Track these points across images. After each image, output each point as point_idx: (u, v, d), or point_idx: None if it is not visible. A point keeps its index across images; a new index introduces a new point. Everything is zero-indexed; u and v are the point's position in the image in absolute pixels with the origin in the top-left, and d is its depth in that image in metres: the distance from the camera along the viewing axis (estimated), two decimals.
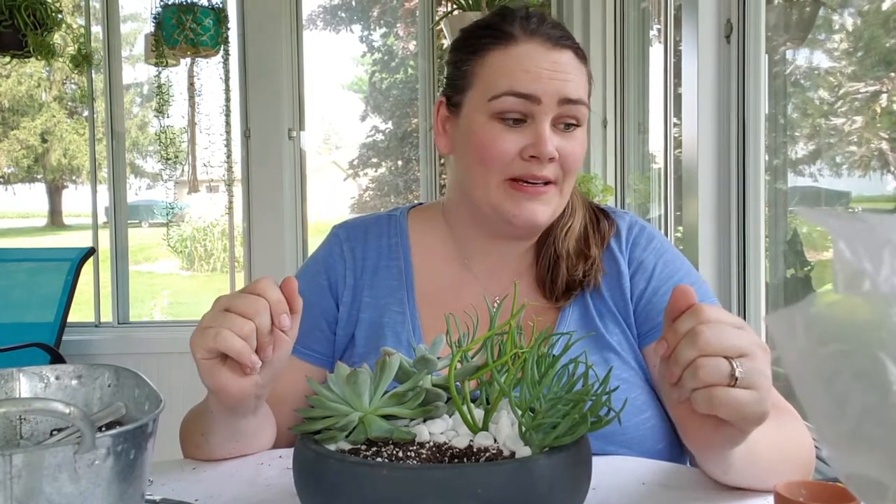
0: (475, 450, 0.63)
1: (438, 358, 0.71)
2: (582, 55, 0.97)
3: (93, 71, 3.44)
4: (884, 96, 1.51)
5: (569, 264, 0.99)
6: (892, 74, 1.52)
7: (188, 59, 3.29)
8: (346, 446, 0.63)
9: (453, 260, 1.05)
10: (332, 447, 0.63)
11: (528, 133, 0.93)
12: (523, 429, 0.62)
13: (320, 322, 1.03)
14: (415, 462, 0.61)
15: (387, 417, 0.66)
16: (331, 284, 1.04)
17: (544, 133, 0.92)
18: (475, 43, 0.98)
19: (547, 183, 0.95)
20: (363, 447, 0.64)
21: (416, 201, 1.21)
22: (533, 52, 0.93)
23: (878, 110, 1.51)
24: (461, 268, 1.05)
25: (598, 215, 1.05)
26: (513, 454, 0.62)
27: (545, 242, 1.03)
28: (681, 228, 2.11)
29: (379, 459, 0.60)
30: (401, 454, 0.61)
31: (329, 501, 0.60)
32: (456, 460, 0.61)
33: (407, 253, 1.05)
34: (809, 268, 1.72)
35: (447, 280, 1.04)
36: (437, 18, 3.30)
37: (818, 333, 0.37)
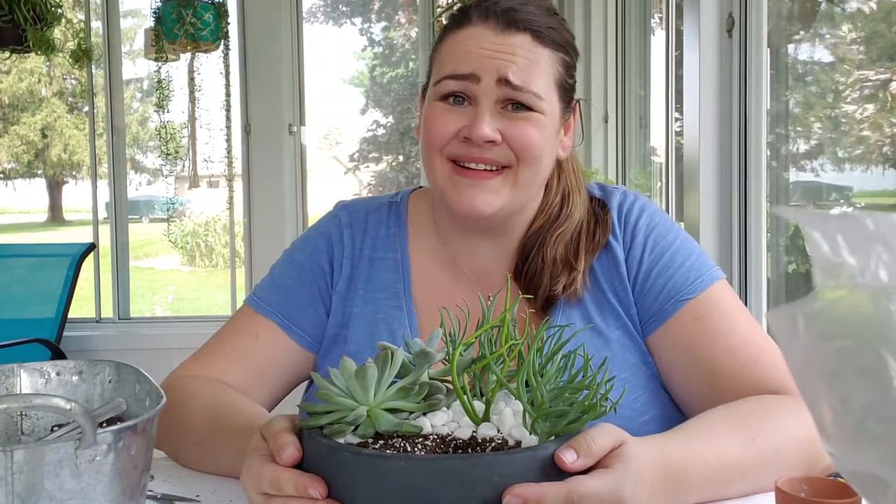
0: (479, 440, 0.63)
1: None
2: (548, 39, 0.92)
3: (93, 66, 3.44)
4: (893, 84, 1.51)
5: (552, 273, 0.95)
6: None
7: (188, 54, 3.29)
8: (355, 440, 0.64)
9: (443, 253, 1.02)
10: (340, 441, 0.64)
11: (468, 114, 0.91)
12: (529, 418, 0.63)
13: (317, 303, 1.00)
14: (422, 454, 0.61)
15: (391, 411, 0.66)
16: (332, 268, 1.01)
17: (481, 114, 0.89)
18: (442, 29, 0.98)
19: (498, 169, 0.91)
20: (370, 441, 0.64)
21: (419, 185, 1.17)
22: (479, 35, 0.91)
23: (889, 98, 1.50)
24: (451, 262, 1.01)
25: (597, 220, 0.99)
26: (518, 443, 0.62)
27: (533, 245, 0.97)
28: (682, 223, 2.10)
29: (392, 452, 0.61)
30: (408, 447, 0.62)
31: (345, 495, 0.60)
32: (460, 451, 0.61)
33: (404, 244, 1.02)
34: (810, 263, 1.71)
35: (440, 277, 1.01)
36: (437, 12, 3.29)
37: (820, 330, 0.37)
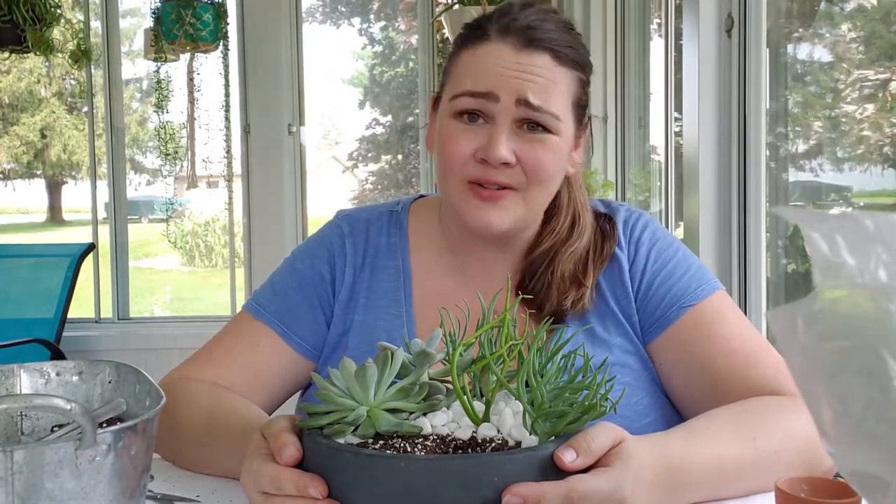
0: (479, 440, 0.63)
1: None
2: (567, 59, 0.91)
3: (92, 66, 3.44)
4: (893, 84, 1.51)
5: (560, 290, 0.95)
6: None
7: (187, 55, 3.29)
8: (355, 440, 0.64)
9: (450, 263, 1.02)
10: (340, 441, 0.64)
11: (484, 134, 0.90)
12: (529, 418, 0.63)
13: (318, 313, 1.00)
14: (422, 454, 0.61)
15: (391, 411, 0.66)
16: (333, 277, 1.01)
17: (497, 135, 0.88)
18: (457, 41, 0.96)
19: (505, 188, 0.91)
20: (370, 441, 0.64)
21: (418, 193, 1.18)
22: (499, 52, 0.89)
23: (889, 98, 1.51)
24: (458, 272, 1.01)
25: (604, 235, 1.00)
26: (518, 444, 0.62)
27: (542, 263, 0.98)
28: (682, 223, 2.11)
29: (392, 452, 0.61)
30: (408, 447, 0.62)
31: (345, 495, 0.60)
32: (460, 451, 0.61)
33: (406, 253, 1.02)
34: (810, 263, 1.71)
35: (444, 285, 1.01)
36: (436, 12, 3.29)
37: (820, 330, 0.37)
